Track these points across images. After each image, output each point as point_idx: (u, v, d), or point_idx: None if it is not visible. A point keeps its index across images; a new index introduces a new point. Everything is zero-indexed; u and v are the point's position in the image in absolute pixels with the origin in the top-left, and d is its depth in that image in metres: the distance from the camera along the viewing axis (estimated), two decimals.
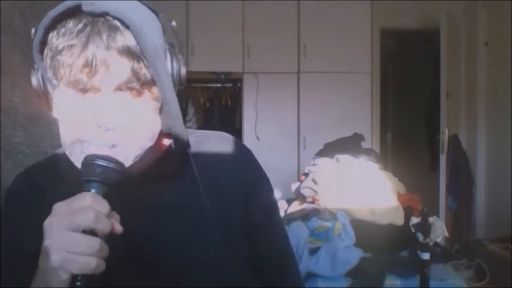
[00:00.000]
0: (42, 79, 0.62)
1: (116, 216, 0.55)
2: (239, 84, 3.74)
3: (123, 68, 0.58)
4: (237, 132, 3.73)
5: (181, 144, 0.69)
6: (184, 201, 0.70)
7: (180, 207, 0.70)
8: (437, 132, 3.58)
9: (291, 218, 1.94)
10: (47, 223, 0.51)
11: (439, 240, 1.95)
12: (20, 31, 1.29)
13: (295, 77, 3.64)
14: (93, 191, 0.54)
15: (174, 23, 0.68)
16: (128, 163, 0.59)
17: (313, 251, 1.72)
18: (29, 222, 0.62)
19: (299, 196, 2.17)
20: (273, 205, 0.83)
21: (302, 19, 3.61)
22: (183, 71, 0.66)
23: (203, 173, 0.70)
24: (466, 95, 3.92)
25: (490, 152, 3.70)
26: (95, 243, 0.50)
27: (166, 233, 0.68)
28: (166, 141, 0.71)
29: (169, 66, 0.64)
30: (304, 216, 1.93)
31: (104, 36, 0.56)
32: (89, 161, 0.55)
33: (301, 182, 2.15)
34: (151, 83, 0.61)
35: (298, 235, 1.78)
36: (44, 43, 0.60)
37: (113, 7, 0.57)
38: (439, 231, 1.90)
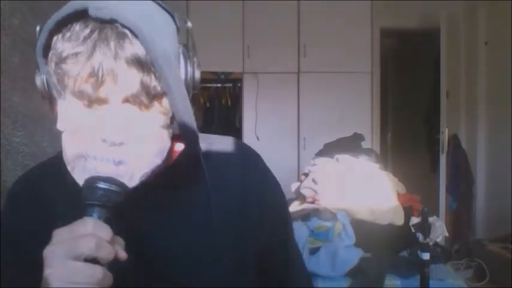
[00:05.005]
0: (47, 83, 0.58)
1: (120, 242, 0.52)
2: (239, 84, 3.74)
3: (131, 79, 0.54)
4: (236, 132, 3.73)
5: (194, 152, 0.65)
6: (195, 211, 0.67)
7: (189, 217, 0.67)
8: (437, 132, 3.58)
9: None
10: (47, 251, 0.48)
11: (439, 240, 1.95)
12: (20, 31, 1.29)
13: (295, 77, 3.64)
14: (94, 215, 0.51)
15: (189, 24, 0.64)
16: (134, 182, 0.56)
17: (313, 251, 1.71)
18: (30, 228, 0.61)
19: (299, 196, 2.16)
20: (286, 212, 0.81)
21: (302, 19, 3.61)
22: (198, 74, 0.63)
23: (214, 182, 0.67)
24: (466, 95, 3.92)
25: (490, 152, 3.69)
26: (98, 272, 0.48)
27: (174, 244, 0.66)
28: (177, 150, 0.68)
29: (183, 71, 0.60)
30: (304, 216, 1.93)
31: (112, 44, 0.52)
32: (89, 184, 0.52)
33: (301, 182, 2.15)
34: (161, 94, 0.57)
35: (298, 235, 1.78)
36: (48, 46, 0.55)
37: (122, 14, 0.52)
38: (439, 231, 1.90)
